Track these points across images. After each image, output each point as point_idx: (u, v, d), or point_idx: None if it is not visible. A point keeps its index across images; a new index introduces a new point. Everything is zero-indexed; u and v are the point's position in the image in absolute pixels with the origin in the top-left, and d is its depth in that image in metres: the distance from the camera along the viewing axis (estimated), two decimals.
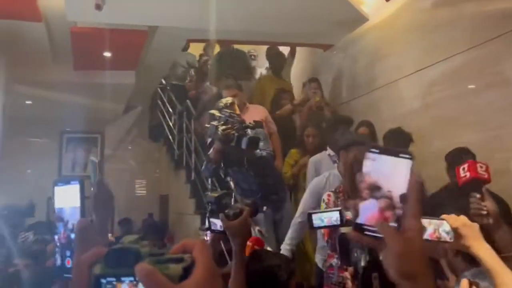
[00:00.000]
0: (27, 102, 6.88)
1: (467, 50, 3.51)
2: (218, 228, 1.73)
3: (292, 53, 5.99)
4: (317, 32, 5.06)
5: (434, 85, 3.86)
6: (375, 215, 0.67)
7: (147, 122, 8.64)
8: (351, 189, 2.86)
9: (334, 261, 2.79)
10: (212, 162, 3.26)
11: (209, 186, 5.05)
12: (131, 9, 4.19)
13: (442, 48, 3.74)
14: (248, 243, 2.22)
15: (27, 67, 5.59)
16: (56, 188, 0.82)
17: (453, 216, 1.28)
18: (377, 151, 0.68)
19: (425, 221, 1.22)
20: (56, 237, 0.79)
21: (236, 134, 3.01)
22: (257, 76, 6.18)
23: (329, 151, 3.20)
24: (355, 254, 0.93)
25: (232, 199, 3.65)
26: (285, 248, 2.95)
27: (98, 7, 3.86)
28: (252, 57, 6.65)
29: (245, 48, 6.31)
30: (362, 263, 0.84)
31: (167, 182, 7.81)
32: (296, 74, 6.07)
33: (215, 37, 5.06)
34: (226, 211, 1.61)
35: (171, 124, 7.21)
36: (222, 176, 3.65)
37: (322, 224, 1.29)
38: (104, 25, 4.53)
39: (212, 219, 1.79)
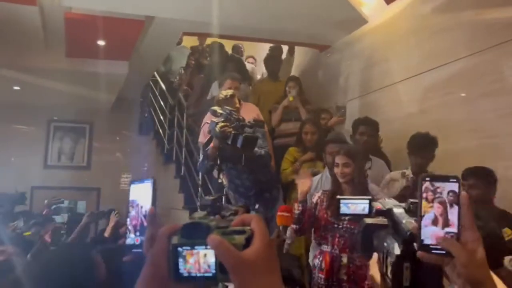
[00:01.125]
0: (15, 87, 6.72)
1: (465, 57, 3.51)
2: None
3: (291, 52, 5.97)
4: (315, 32, 5.02)
5: (431, 91, 3.86)
6: (436, 234, 0.78)
7: (137, 114, 8.52)
8: (333, 183, 2.89)
9: (317, 261, 2.80)
10: (209, 159, 3.21)
11: (199, 182, 4.99)
12: None
13: (440, 54, 3.74)
14: (278, 213, 2.70)
15: (17, 52, 5.44)
16: (132, 186, 1.03)
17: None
18: (428, 179, 0.79)
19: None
20: (128, 220, 0.98)
21: (233, 132, 2.97)
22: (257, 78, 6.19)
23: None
24: (385, 244, 0.92)
25: (224, 197, 3.63)
26: None
27: None
28: (250, 60, 6.64)
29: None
30: (397, 252, 0.84)
31: (156, 176, 7.70)
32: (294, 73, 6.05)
33: (213, 31, 5.00)
34: (222, 212, 1.70)
35: (162, 118, 7.12)
36: (216, 175, 3.64)
37: (348, 212, 1.28)
38: (99, 12, 4.43)
39: None
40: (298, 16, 4.51)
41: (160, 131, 7.17)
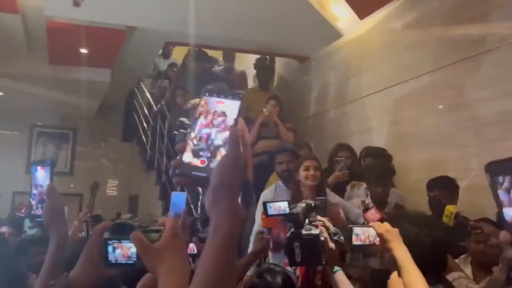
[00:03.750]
0: None
1: (433, 71, 3.67)
2: (191, 252, 2.13)
3: (271, 63, 6.10)
4: (294, 44, 5.17)
5: (401, 103, 4.01)
6: None
7: (121, 121, 8.57)
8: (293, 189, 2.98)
9: (289, 268, 2.87)
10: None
11: (178, 189, 5.06)
12: (109, 8, 4.20)
13: (409, 68, 3.90)
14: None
15: (0, 58, 5.50)
16: (33, 169, 1.20)
17: (378, 223, 1.54)
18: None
19: (358, 229, 1.48)
20: (33, 197, 1.18)
21: None
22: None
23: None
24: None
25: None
26: None
27: (76, 4, 3.87)
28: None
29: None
30: (288, 234, 1.12)
31: (138, 183, 7.77)
32: (276, 83, 6.19)
33: (194, 41, 5.11)
34: (199, 235, 1.92)
35: (145, 125, 7.20)
36: None
37: (274, 213, 1.58)
38: (81, 21, 4.52)
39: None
40: (277, 29, 4.66)
41: (143, 138, 7.24)
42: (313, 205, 1.25)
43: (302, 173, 2.88)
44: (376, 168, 3.28)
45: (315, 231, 1.05)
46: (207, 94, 0.79)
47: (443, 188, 2.91)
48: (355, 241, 1.47)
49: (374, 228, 1.51)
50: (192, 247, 2.15)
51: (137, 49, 5.24)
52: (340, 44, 4.86)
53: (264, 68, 5.64)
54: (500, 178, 0.63)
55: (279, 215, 1.53)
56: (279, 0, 4.19)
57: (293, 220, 1.08)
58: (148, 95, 7.06)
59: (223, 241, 0.69)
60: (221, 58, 6.63)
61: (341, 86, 4.88)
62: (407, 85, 3.92)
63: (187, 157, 0.74)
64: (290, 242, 1.05)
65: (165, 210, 5.52)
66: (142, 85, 7.22)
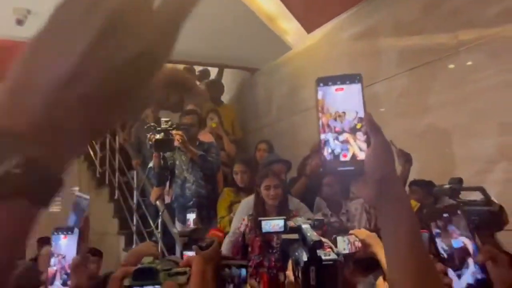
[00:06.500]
0: None
1: (380, 81, 3.89)
2: None
3: (220, 75, 6.14)
4: (243, 57, 5.26)
5: None
6: None
7: None
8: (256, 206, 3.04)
9: (253, 281, 2.92)
10: (155, 168, 3.65)
11: (134, 206, 4.98)
12: None
13: None
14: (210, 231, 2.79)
15: None
16: (55, 236, 1.15)
17: (356, 229, 1.63)
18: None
19: (342, 238, 1.56)
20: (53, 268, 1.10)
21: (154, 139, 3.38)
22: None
23: None
24: (296, 253, 1.22)
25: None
26: None
27: (19, 22, 3.73)
28: None
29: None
30: (304, 259, 1.13)
31: (88, 201, 7.47)
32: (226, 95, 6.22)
33: None
34: (199, 243, 1.94)
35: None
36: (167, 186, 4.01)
37: (270, 230, 1.57)
38: (24, 39, 4.33)
39: (185, 252, 2.19)
40: (226, 41, 4.72)
41: (91, 153, 7.00)
42: (313, 224, 1.32)
43: (263, 191, 2.95)
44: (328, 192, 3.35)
45: (333, 256, 1.12)
46: (321, 84, 0.74)
47: (421, 188, 3.09)
48: (344, 251, 1.53)
49: (355, 235, 1.57)
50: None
51: None
52: (289, 56, 5.01)
53: (211, 84, 5.55)
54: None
55: (274, 232, 1.56)
56: (227, 14, 4.26)
57: (316, 248, 1.14)
58: None
59: (413, 228, 0.68)
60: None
61: (290, 98, 5.02)
62: None
63: (327, 155, 0.73)
64: (306, 266, 1.12)
65: (121, 229, 5.40)
66: None
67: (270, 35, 4.58)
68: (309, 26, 4.59)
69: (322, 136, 0.74)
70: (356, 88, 0.74)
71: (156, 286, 0.80)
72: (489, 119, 3.04)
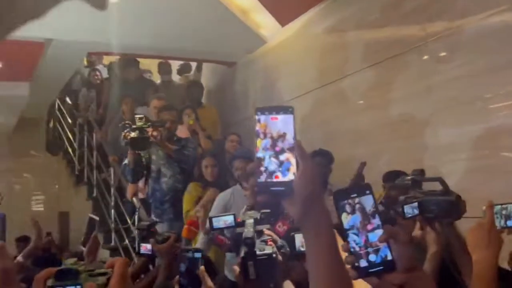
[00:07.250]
0: None
1: (351, 74, 3.95)
2: (147, 251, 2.16)
3: (199, 69, 6.13)
4: (219, 51, 5.27)
5: (326, 104, 4.26)
6: None
7: (44, 134, 8.15)
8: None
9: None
10: (130, 164, 3.63)
11: (112, 203, 4.97)
12: None
13: (331, 71, 4.16)
14: (185, 226, 3.00)
15: None
16: None
17: None
18: None
19: (298, 236, 1.54)
20: None
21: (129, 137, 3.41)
22: None
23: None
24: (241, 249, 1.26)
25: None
26: None
27: None
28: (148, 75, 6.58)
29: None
30: (242, 254, 1.18)
31: (67, 198, 7.44)
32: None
33: (118, 50, 5.03)
34: (156, 236, 2.03)
35: (71, 137, 6.91)
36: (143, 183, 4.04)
37: (220, 226, 1.63)
38: (26, 39, 4.29)
39: (142, 244, 2.20)
40: (202, 36, 4.72)
41: (70, 150, 6.95)
42: (259, 218, 1.36)
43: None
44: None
45: (268, 250, 1.16)
46: (259, 113, 0.83)
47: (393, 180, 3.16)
48: (301, 248, 1.55)
49: None
50: (146, 247, 2.15)
51: (55, 61, 5.03)
52: (264, 50, 5.03)
53: (193, 86, 5.50)
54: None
55: (226, 227, 1.64)
56: (202, 9, 4.26)
57: (250, 244, 1.18)
58: (72, 106, 6.79)
59: (331, 241, 0.79)
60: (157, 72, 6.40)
61: (266, 91, 5.06)
62: (330, 87, 4.18)
63: (262, 177, 0.81)
64: (244, 261, 1.17)
65: (100, 227, 5.37)
66: (67, 98, 6.92)
67: (244, 29, 4.60)
68: (283, 19, 4.62)
69: (260, 155, 0.81)
70: (289, 118, 0.84)
71: (78, 287, 0.83)
72: (455, 109, 3.12)
